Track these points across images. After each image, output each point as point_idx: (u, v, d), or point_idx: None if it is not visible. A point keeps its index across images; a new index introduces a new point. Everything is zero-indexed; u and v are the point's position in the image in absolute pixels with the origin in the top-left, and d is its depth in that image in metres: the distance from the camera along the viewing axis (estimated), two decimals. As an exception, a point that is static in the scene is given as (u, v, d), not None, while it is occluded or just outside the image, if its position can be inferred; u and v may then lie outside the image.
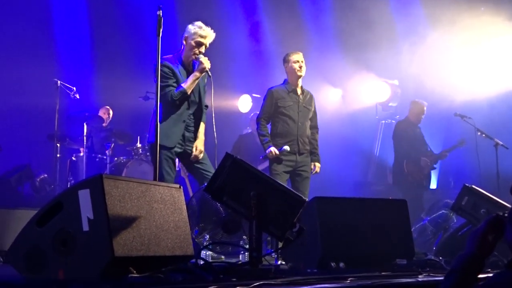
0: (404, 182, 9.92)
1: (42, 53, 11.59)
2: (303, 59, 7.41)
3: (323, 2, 12.57)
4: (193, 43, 6.24)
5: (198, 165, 6.40)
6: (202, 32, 6.23)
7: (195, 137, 6.45)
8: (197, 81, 6.26)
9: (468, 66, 11.20)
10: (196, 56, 6.24)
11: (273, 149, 7.20)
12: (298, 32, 12.31)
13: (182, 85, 6.18)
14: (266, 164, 9.08)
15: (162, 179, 6.03)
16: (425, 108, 9.99)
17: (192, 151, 6.38)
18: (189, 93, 6.20)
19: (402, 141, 9.99)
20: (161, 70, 6.07)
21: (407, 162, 9.88)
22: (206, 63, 6.20)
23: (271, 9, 12.73)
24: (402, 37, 11.67)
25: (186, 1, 12.45)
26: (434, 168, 10.09)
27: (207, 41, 6.28)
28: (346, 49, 12.34)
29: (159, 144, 6.00)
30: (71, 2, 12.23)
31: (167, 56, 6.33)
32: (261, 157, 7.75)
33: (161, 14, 5.47)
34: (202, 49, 6.26)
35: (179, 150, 6.31)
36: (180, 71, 6.29)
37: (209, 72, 6.25)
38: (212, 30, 6.32)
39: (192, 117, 6.43)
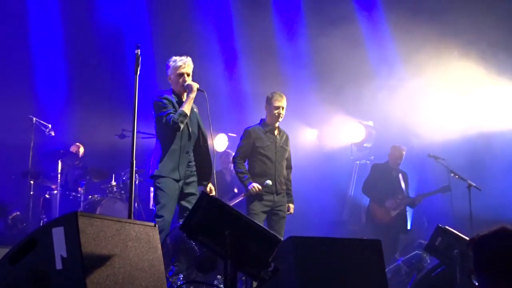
0: (372, 223, 10.02)
1: (18, 90, 11.53)
2: (284, 104, 7.46)
3: (299, 43, 12.72)
4: (175, 77, 6.40)
5: (187, 205, 6.35)
6: (178, 63, 6.40)
7: (198, 175, 6.54)
8: (192, 102, 6.33)
9: (442, 107, 11.34)
10: (183, 85, 6.34)
11: (255, 185, 7.19)
12: (274, 73, 12.42)
13: (180, 108, 6.25)
14: (237, 199, 9.11)
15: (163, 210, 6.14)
16: (403, 153, 10.11)
17: (187, 190, 6.41)
18: (188, 114, 6.26)
19: (370, 183, 10.12)
20: (160, 102, 6.26)
21: (373, 204, 10.01)
22: (194, 84, 6.32)
23: (249, 49, 12.86)
24: (377, 79, 11.81)
25: (163, 40, 12.54)
26: (406, 211, 10.11)
27: (187, 70, 6.41)
28: (321, 90, 12.47)
29: (165, 177, 6.19)
30: (48, 39, 12.24)
31: (164, 90, 6.47)
32: (242, 194, 7.71)
33: (139, 52, 5.53)
34: (186, 78, 6.38)
35: (179, 185, 6.36)
36: (177, 103, 6.37)
37: (201, 89, 6.36)
38: (186, 57, 6.47)
39: (192, 153, 6.50)
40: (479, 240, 2.94)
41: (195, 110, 6.57)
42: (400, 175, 10.12)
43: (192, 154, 6.50)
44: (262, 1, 12.75)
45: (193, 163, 6.51)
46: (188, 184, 6.41)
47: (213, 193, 6.57)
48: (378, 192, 9.94)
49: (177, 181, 6.28)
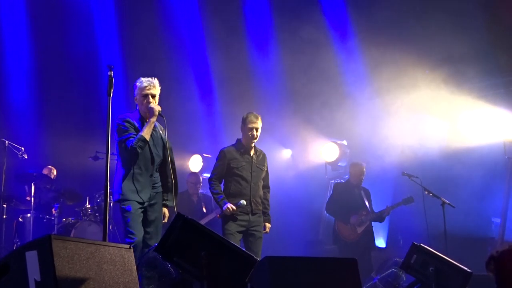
0: (339, 243, 10.01)
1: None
2: (259, 125, 7.45)
3: (272, 65, 12.78)
4: (140, 97, 6.40)
5: (152, 229, 6.36)
6: (144, 84, 6.39)
7: (162, 196, 6.51)
8: (152, 126, 6.34)
9: (415, 125, 11.45)
10: (147, 106, 6.33)
11: (230, 205, 7.18)
12: (248, 94, 12.47)
13: (140, 133, 6.24)
14: (207, 219, 9.03)
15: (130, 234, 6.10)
16: (364, 170, 10.15)
17: (150, 212, 6.39)
18: (147, 138, 6.26)
19: (333, 203, 10.16)
20: (121, 125, 6.26)
21: (338, 223, 10.02)
22: (155, 106, 6.30)
23: (222, 70, 12.89)
24: (350, 99, 11.90)
25: (136, 62, 12.52)
26: (372, 227, 10.14)
27: (152, 91, 6.39)
28: (295, 110, 12.54)
29: (131, 200, 6.16)
30: (19, 62, 12.17)
31: (127, 113, 6.46)
32: (217, 215, 7.68)
33: (112, 74, 5.51)
34: (151, 99, 6.36)
35: (143, 207, 6.33)
36: (141, 125, 6.36)
37: (161, 114, 6.34)
38: (154, 78, 6.46)
39: (157, 174, 6.50)
40: (500, 257, 2.85)
41: (160, 131, 6.56)
42: (362, 192, 10.17)
43: (157, 176, 6.49)
44: (235, 23, 12.79)
45: (159, 184, 6.50)
46: (152, 206, 6.40)
47: (165, 220, 6.56)
48: (341, 210, 9.97)
49: (141, 204, 6.27)
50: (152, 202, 6.39)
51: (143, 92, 6.36)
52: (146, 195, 6.30)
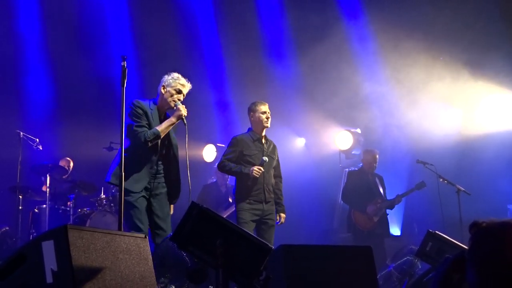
0: (354, 231, 9.99)
1: (4, 104, 11.49)
2: (269, 110, 7.46)
3: (287, 54, 12.76)
4: (172, 90, 6.20)
5: (158, 221, 6.18)
6: (181, 81, 6.25)
7: (168, 194, 6.31)
8: (171, 127, 6.19)
9: (429, 112, 11.41)
10: (175, 103, 6.19)
11: (255, 167, 7.13)
12: (261, 82, 12.45)
13: (157, 127, 6.06)
14: (230, 210, 9.04)
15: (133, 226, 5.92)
16: (377, 156, 10.10)
17: (156, 204, 6.20)
18: (162, 136, 6.08)
19: (349, 191, 10.12)
20: (134, 110, 6.05)
21: (354, 211, 9.99)
22: (183, 110, 6.12)
23: (235, 59, 12.86)
24: (363, 87, 11.86)
25: (150, 54, 12.54)
26: (387, 214, 10.12)
27: (185, 91, 6.28)
28: (309, 99, 12.50)
29: (125, 189, 5.69)
30: (34, 53, 12.21)
31: (143, 99, 6.28)
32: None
33: (125, 65, 5.50)
34: (181, 97, 6.22)
35: (145, 197, 6.14)
36: (153, 115, 6.17)
37: (185, 120, 6.13)
38: (188, 81, 6.35)
39: (162, 169, 6.29)
40: (486, 229, 2.22)
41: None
42: (376, 179, 10.13)
43: (160, 167, 6.27)
44: (247, 11, 12.74)
45: (161, 175, 6.30)
46: (156, 196, 6.22)
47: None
48: (357, 199, 9.93)
49: (137, 192, 6.05)
50: (155, 192, 6.20)
51: (179, 87, 6.22)
52: (142, 185, 6.08)
